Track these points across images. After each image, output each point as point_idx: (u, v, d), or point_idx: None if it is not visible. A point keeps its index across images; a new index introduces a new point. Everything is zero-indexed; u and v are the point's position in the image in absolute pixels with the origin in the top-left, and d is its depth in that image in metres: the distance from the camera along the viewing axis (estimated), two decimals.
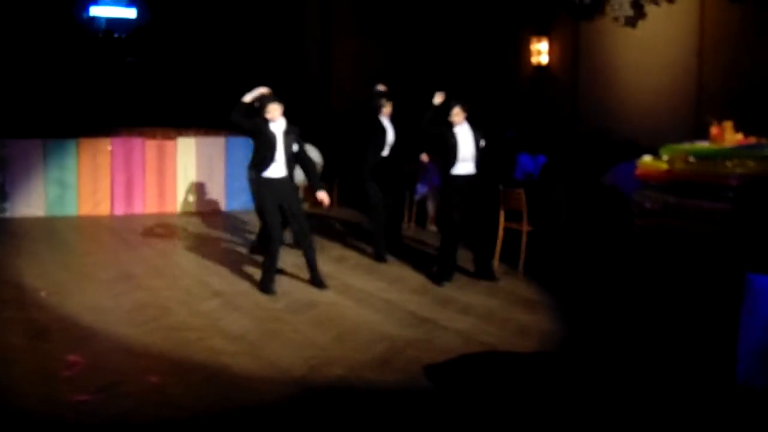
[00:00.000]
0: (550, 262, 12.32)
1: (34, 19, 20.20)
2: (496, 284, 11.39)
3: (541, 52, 17.20)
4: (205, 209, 17.32)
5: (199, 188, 17.25)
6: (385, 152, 13.11)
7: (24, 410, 6.72)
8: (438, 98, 11.89)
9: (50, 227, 15.52)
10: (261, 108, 10.85)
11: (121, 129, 17.60)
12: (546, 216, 12.50)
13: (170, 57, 21.22)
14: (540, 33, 17.20)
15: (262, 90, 10.98)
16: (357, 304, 10.26)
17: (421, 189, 15.92)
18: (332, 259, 12.91)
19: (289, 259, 12.24)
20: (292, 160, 10.91)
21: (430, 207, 15.82)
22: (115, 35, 21.85)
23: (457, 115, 11.37)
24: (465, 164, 11.38)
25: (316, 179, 11.46)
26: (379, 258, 12.72)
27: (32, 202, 16.71)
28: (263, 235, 12.02)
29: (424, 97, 17.40)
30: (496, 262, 12.52)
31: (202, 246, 13.49)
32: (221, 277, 11.60)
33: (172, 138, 17.16)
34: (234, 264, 12.43)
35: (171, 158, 17.32)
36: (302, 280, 11.43)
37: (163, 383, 7.43)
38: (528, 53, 17.43)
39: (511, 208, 12.32)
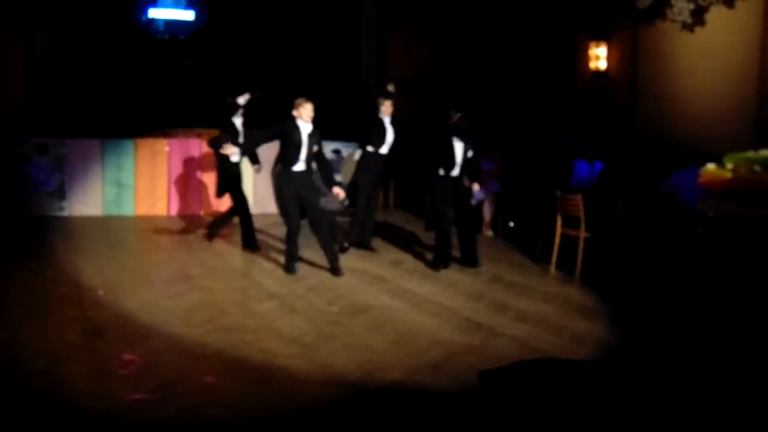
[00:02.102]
0: (607, 269, 12.18)
1: (93, 21, 20.32)
2: (531, 288, 11.33)
3: (599, 57, 17.06)
4: (261, 210, 17.33)
5: (255, 189, 17.28)
6: (384, 150, 13.62)
7: (80, 407, 6.72)
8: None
9: (107, 226, 15.62)
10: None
11: (178, 130, 17.67)
12: (603, 223, 12.38)
13: (228, 59, 21.26)
14: (598, 38, 17.06)
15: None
16: (412, 309, 10.20)
17: (478, 195, 15.82)
18: (387, 262, 12.88)
19: (344, 262, 12.20)
20: (312, 158, 11.96)
21: (487, 212, 15.74)
22: (172, 36, 21.94)
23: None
24: (456, 168, 12.66)
25: (331, 177, 12.50)
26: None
27: (90, 202, 16.84)
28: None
29: (481, 100, 17.36)
30: (552, 268, 12.45)
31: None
32: (276, 279, 11.60)
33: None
34: None
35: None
36: (357, 283, 11.42)
37: (218, 384, 7.42)
38: (586, 58, 17.30)
39: (569, 214, 12.25)
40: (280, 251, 13.26)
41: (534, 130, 17.87)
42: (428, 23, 21.04)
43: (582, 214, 12.02)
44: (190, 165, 17.12)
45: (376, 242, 14.00)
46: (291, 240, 11.99)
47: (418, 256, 13.39)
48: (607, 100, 16.85)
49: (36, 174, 16.58)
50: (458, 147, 12.62)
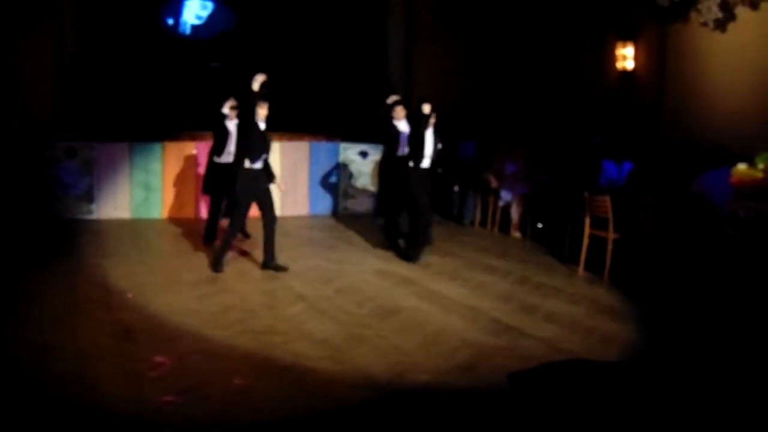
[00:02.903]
0: (636, 270, 12.12)
1: (120, 24, 20.39)
2: (560, 289, 11.29)
3: (626, 57, 16.95)
4: (290, 213, 17.35)
5: (283, 192, 17.30)
6: (401, 152, 14.00)
7: (109, 409, 6.74)
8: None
9: (136, 229, 15.66)
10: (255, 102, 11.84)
11: (205, 133, 17.69)
12: (632, 224, 12.32)
13: (254, 62, 21.29)
14: (625, 38, 16.96)
15: (263, 77, 11.88)
16: (441, 311, 10.18)
17: (506, 195, 15.82)
18: (416, 265, 12.85)
19: (372, 264, 12.21)
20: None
21: (514, 214, 15.70)
22: (198, 39, 21.94)
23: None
24: (427, 160, 13.30)
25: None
26: (414, 257, 13.20)
27: (118, 205, 16.89)
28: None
29: (508, 101, 17.33)
30: (580, 270, 12.42)
31: (285, 250, 13.46)
32: (305, 281, 11.61)
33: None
34: (317, 269, 12.45)
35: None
36: (386, 285, 11.42)
37: (247, 386, 7.42)
38: (613, 58, 17.20)
39: (597, 215, 12.21)
40: (310, 254, 13.30)
41: (561, 131, 17.81)
42: (455, 25, 21.01)
43: (610, 215, 11.98)
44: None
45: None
46: (229, 236, 12.34)
47: (447, 258, 13.37)
48: (634, 100, 16.76)
49: (65, 177, 16.64)
50: (431, 140, 13.30)
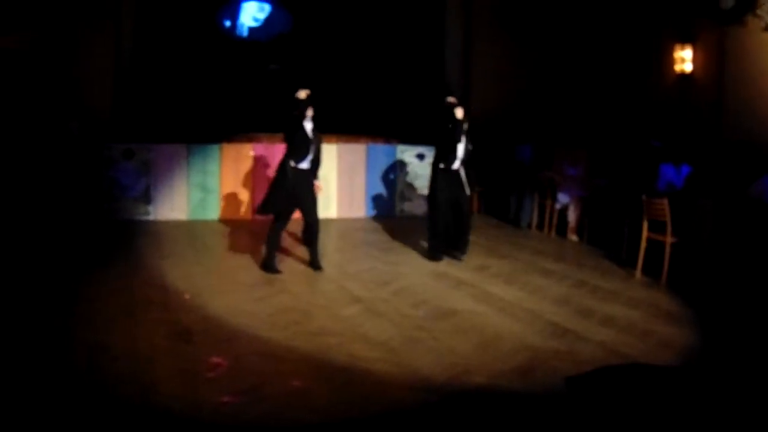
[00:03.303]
0: (694, 274, 12.01)
1: (178, 25, 20.50)
2: (617, 293, 11.20)
3: (685, 59, 16.81)
4: (346, 215, 17.39)
5: (340, 194, 17.34)
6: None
7: (167, 409, 6.78)
8: None
9: (193, 230, 15.77)
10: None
11: (263, 135, 17.78)
12: (690, 227, 12.21)
13: (312, 64, 21.33)
14: (683, 40, 16.82)
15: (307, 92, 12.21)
16: (497, 313, 10.15)
17: (563, 198, 15.76)
18: (472, 267, 12.85)
19: (428, 266, 12.21)
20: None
21: (571, 217, 15.63)
22: (256, 41, 22.01)
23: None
24: (457, 161, 13.33)
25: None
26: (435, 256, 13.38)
27: (175, 206, 17.03)
28: None
29: (567, 103, 17.27)
30: (638, 273, 12.35)
31: (341, 251, 13.51)
32: (361, 283, 11.63)
33: None
34: (373, 271, 12.47)
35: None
36: (442, 287, 11.41)
37: (303, 387, 7.43)
38: (671, 61, 17.07)
39: (655, 218, 12.12)
40: (366, 256, 13.32)
41: (619, 134, 17.71)
42: (513, 25, 20.95)
43: (668, 219, 11.90)
44: (275, 169, 17.20)
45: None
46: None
47: (503, 261, 13.34)
48: (693, 103, 16.62)
49: (122, 178, 16.80)
50: (461, 142, 13.28)
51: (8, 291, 10.55)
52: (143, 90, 19.43)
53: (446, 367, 8.04)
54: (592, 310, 10.44)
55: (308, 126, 12.14)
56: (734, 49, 15.33)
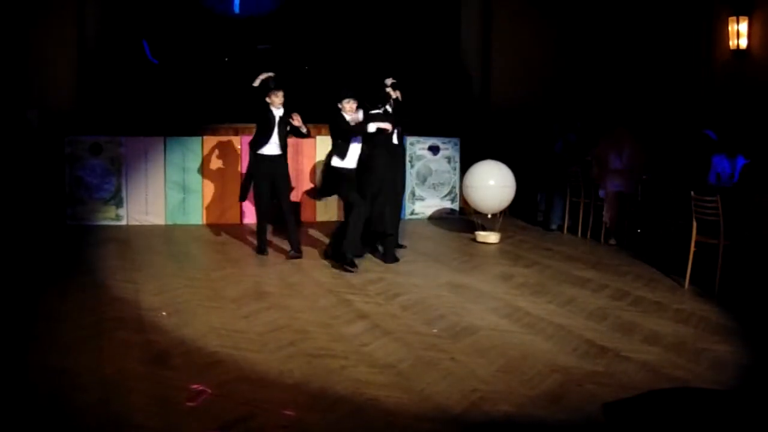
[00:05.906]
0: (751, 283, 11.99)
1: (152, 3, 20.51)
2: (663, 305, 11.21)
3: (740, 34, 16.82)
4: None
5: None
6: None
7: None
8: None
9: (171, 237, 15.81)
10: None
11: (251, 125, 17.78)
12: (746, 228, 12.18)
13: (307, 43, 21.32)
14: (739, 12, 16.82)
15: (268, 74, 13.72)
16: (524, 330, 10.14)
17: (602, 193, 15.70)
18: (495, 277, 12.88)
19: (444, 276, 12.19)
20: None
21: (606, 216, 15.60)
22: (249, 17, 21.99)
23: None
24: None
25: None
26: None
27: (151, 209, 17.09)
28: None
29: (600, 88, 17.22)
30: (686, 282, 12.33)
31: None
32: (366, 296, 11.64)
33: (311, 136, 16.97)
34: (380, 281, 12.46)
35: (309, 156, 17.45)
36: (460, 300, 11.40)
37: (299, 418, 7.42)
38: (725, 36, 17.06)
39: (705, 218, 12.07)
40: (372, 264, 13.31)
41: (665, 122, 17.68)
42: (533, 9, 20.96)
43: (721, 219, 11.85)
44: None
45: (478, 258, 13.95)
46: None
47: (531, 270, 13.34)
48: (749, 85, 16.60)
49: (89, 177, 16.83)
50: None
51: None
52: (112, 75, 19.38)
53: (464, 394, 8.02)
54: (634, 325, 10.42)
55: (276, 112, 13.64)
56: None
